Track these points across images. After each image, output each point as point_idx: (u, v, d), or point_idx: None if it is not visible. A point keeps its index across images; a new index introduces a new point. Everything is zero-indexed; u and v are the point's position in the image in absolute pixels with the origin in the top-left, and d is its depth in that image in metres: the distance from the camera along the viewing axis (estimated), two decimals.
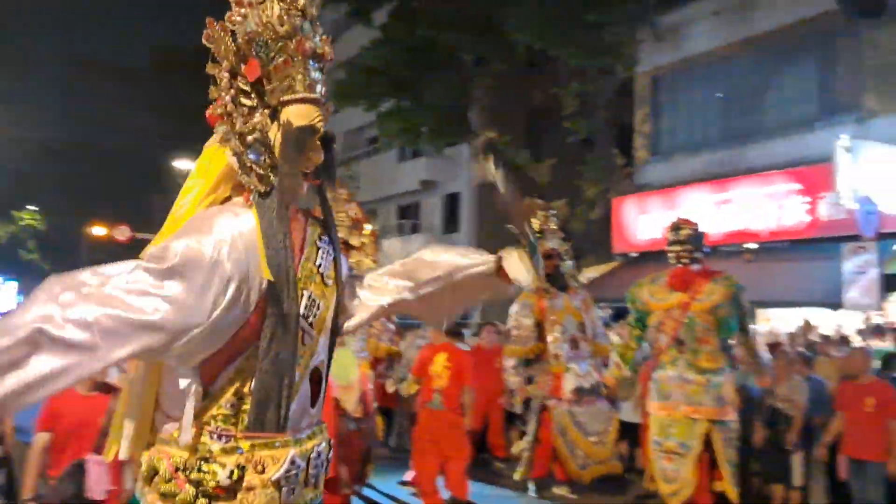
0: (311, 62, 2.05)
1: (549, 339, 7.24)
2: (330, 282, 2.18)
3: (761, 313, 12.49)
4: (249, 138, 2.03)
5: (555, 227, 7.38)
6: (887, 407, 6.00)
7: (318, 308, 2.12)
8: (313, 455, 2.11)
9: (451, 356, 6.54)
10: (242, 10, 2.03)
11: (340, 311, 2.23)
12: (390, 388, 7.88)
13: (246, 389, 1.98)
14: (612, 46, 15.01)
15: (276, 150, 2.04)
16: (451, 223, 24.41)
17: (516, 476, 7.50)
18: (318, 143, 2.08)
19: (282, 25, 2.00)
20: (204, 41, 2.07)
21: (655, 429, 5.82)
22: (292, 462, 2.01)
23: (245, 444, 1.96)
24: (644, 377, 6.34)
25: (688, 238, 5.87)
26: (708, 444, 5.65)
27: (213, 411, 1.98)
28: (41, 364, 1.72)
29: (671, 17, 15.16)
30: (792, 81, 13.61)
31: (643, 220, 15.13)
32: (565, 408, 7.13)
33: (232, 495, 1.95)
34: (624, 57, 15.47)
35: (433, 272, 2.37)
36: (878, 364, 7.30)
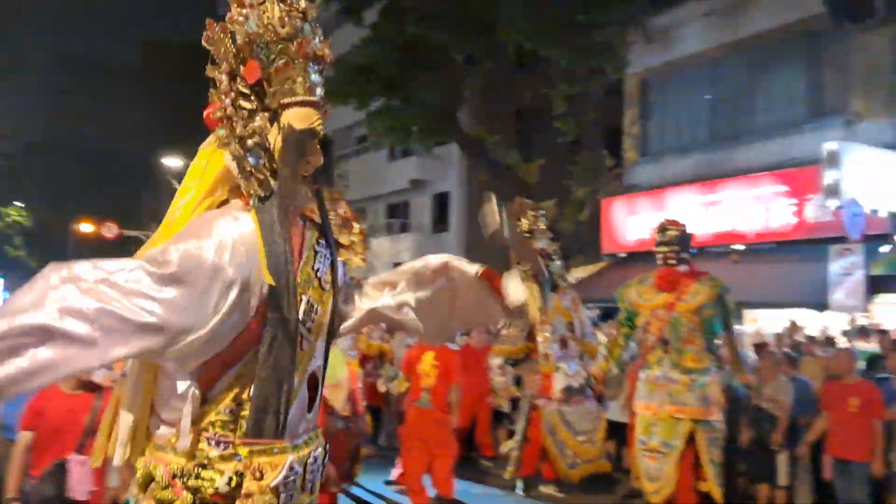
0: (311, 64, 2.04)
1: (539, 338, 7.26)
2: (327, 286, 2.15)
3: (748, 314, 12.55)
4: (249, 142, 2.00)
5: (544, 228, 7.40)
6: (871, 407, 6.06)
7: (316, 313, 2.10)
8: (310, 461, 2.10)
9: (439, 355, 6.56)
10: (244, 11, 2.00)
11: (336, 316, 2.21)
12: (381, 388, 7.88)
13: (245, 395, 1.96)
14: (603, 47, 15.03)
15: (276, 154, 2.01)
16: (440, 222, 24.41)
17: (506, 475, 7.52)
18: (318, 146, 2.07)
19: (283, 27, 1.98)
20: (203, 43, 2.04)
21: (640, 427, 5.86)
22: (290, 468, 2.00)
23: (243, 451, 1.94)
24: (632, 377, 6.39)
25: (674, 239, 5.91)
26: (693, 443, 5.69)
27: (212, 417, 1.96)
28: (38, 354, 1.69)
29: (661, 19, 15.21)
30: (780, 84, 13.69)
31: (632, 221, 15.18)
32: (555, 407, 7.16)
33: (230, 502, 1.94)
34: (614, 58, 15.51)
35: (425, 270, 2.36)
36: (863, 365, 7.37)
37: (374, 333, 8.29)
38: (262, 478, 1.94)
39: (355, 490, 6.74)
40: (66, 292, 1.72)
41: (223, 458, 1.94)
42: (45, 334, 1.69)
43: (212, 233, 1.90)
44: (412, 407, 6.68)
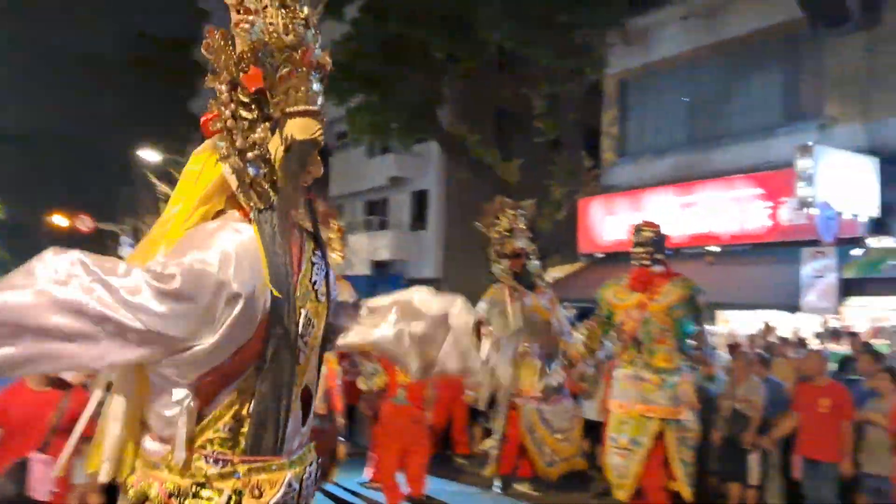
0: (313, 73, 2.00)
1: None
2: (323, 298, 2.11)
3: (721, 315, 12.69)
4: (250, 154, 1.94)
5: (523, 227, 7.42)
6: (841, 408, 6.15)
7: (314, 326, 2.06)
8: (305, 476, 2.07)
9: None
10: (250, 18, 1.94)
11: (329, 329, 2.17)
12: (362, 385, 7.87)
13: (244, 412, 1.91)
14: (582, 48, 15.12)
15: (277, 165, 1.97)
16: (419, 220, 24.39)
17: (486, 473, 7.54)
18: (318, 156, 2.04)
19: (287, 34, 1.93)
20: (203, 51, 1.99)
21: (612, 425, 5.93)
22: (289, 485, 1.97)
23: (242, 468, 1.91)
24: (607, 376, 6.44)
25: (649, 240, 5.96)
26: (663, 442, 5.75)
27: (210, 434, 1.91)
28: (34, 346, 1.66)
29: (640, 21, 15.32)
30: (756, 87, 13.84)
31: (609, 222, 15.28)
32: (533, 405, 7.19)
33: None
34: (593, 59, 15.60)
35: (422, 315, 2.31)
36: (834, 367, 7.48)
37: None
38: (260, 496, 1.91)
39: (332, 489, 6.75)
40: (66, 292, 1.66)
41: (222, 477, 1.90)
42: (36, 329, 1.64)
43: (214, 246, 1.85)
44: (388, 403, 6.68)
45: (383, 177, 24.19)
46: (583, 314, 10.11)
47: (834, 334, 10.08)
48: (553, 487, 7.34)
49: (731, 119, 14.16)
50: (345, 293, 2.34)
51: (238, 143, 1.95)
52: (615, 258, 13.51)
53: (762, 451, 6.78)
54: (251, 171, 1.95)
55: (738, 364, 7.08)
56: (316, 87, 2.01)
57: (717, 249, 13.30)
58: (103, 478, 2.00)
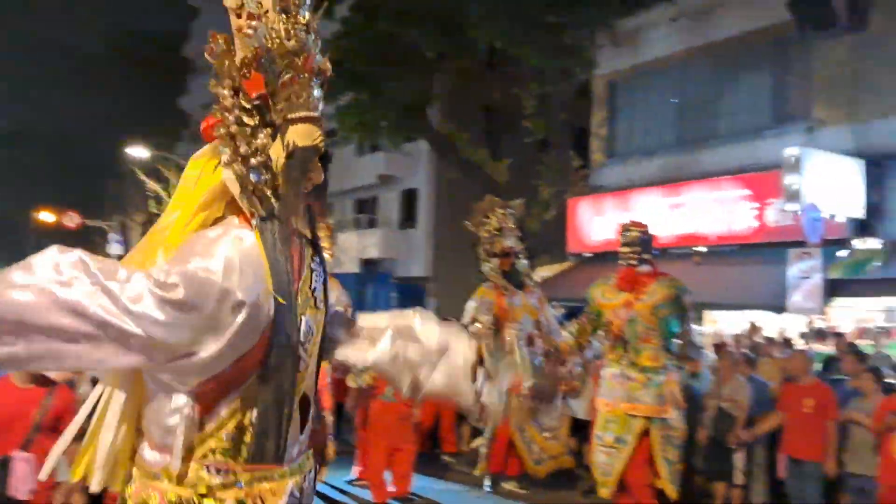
0: (314, 79, 1.99)
1: (508, 336, 7.31)
2: (321, 305, 2.10)
3: (708, 315, 12.77)
4: (253, 161, 1.93)
5: (513, 226, 7.45)
6: (825, 408, 6.20)
7: (313, 334, 2.05)
8: (305, 484, 2.06)
9: None
10: (253, 23, 1.92)
11: (327, 336, 2.16)
12: (352, 383, 7.88)
13: (246, 421, 1.89)
14: (572, 49, 15.16)
15: (278, 171, 1.95)
16: (408, 219, 24.40)
17: (476, 472, 7.57)
18: (319, 163, 2.03)
19: (289, 40, 1.92)
20: (207, 56, 1.97)
21: (599, 423, 5.97)
22: (291, 494, 1.96)
23: (244, 478, 1.89)
24: (595, 375, 6.47)
25: (636, 240, 5.99)
26: (648, 440, 5.78)
27: (211, 444, 1.89)
28: (39, 345, 1.64)
29: (630, 22, 15.37)
30: (745, 89, 13.92)
31: (598, 222, 15.33)
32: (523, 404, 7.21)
33: None
34: (582, 60, 15.64)
35: (420, 344, 2.32)
36: (819, 367, 7.54)
37: None
38: None
39: (320, 487, 6.76)
40: (72, 292, 1.64)
41: (224, 486, 1.88)
42: (40, 328, 1.63)
43: (218, 254, 1.83)
44: (376, 401, 6.70)
45: (373, 175, 24.18)
46: (571, 313, 10.14)
47: (819, 335, 10.15)
48: (540, 485, 7.38)
49: (720, 121, 14.23)
50: (335, 292, 2.33)
51: (242, 150, 1.93)
52: (603, 258, 13.55)
53: (747, 450, 6.83)
54: (253, 177, 1.93)
55: (724, 363, 7.12)
56: (317, 93, 2.00)
57: (704, 250, 13.37)
58: (94, 487, 1.97)
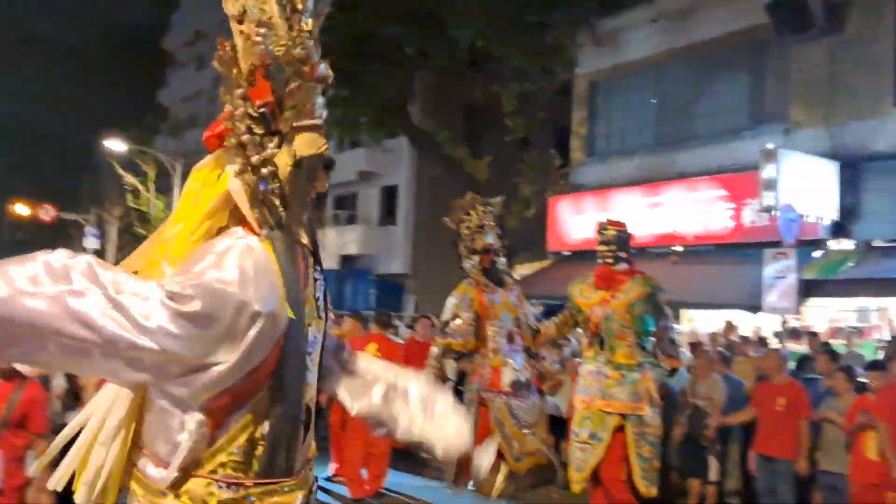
0: (318, 87, 1.98)
1: (489, 333, 7.33)
2: (323, 314, 2.08)
3: (685, 314, 12.88)
4: (263, 171, 1.90)
5: (493, 224, 7.46)
6: (797, 407, 6.28)
7: (318, 343, 2.03)
8: (312, 498, 2.04)
9: (382, 346, 6.62)
10: (262, 30, 1.89)
11: (327, 345, 2.13)
12: None
13: (258, 434, 1.86)
14: (553, 48, 15.22)
15: (285, 180, 1.93)
16: (388, 215, 24.37)
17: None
18: (323, 171, 2.01)
19: (296, 48, 1.90)
20: (215, 64, 1.94)
21: (575, 420, 6.01)
22: None
23: (255, 492, 1.86)
24: (574, 373, 6.51)
25: (612, 238, 6.02)
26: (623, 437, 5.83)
27: (222, 458, 1.84)
28: (55, 352, 1.62)
29: (610, 23, 15.46)
30: (723, 91, 14.05)
31: (577, 220, 15.40)
32: (503, 400, 7.24)
33: None
34: (563, 59, 15.70)
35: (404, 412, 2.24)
36: (793, 366, 7.63)
37: None
38: None
39: None
40: (84, 303, 1.61)
41: (235, 501, 1.85)
42: (56, 333, 1.60)
43: (231, 264, 1.79)
44: None
45: (353, 171, 24.11)
46: (550, 311, 10.19)
47: (793, 334, 10.28)
48: (517, 481, 7.40)
49: (698, 121, 14.36)
50: None
51: (253, 160, 1.90)
52: (582, 256, 13.62)
53: (722, 447, 6.91)
54: (261, 186, 1.90)
55: (700, 362, 7.20)
56: (320, 100, 2.00)
57: (682, 249, 13.49)
58: (80, 500, 1.93)
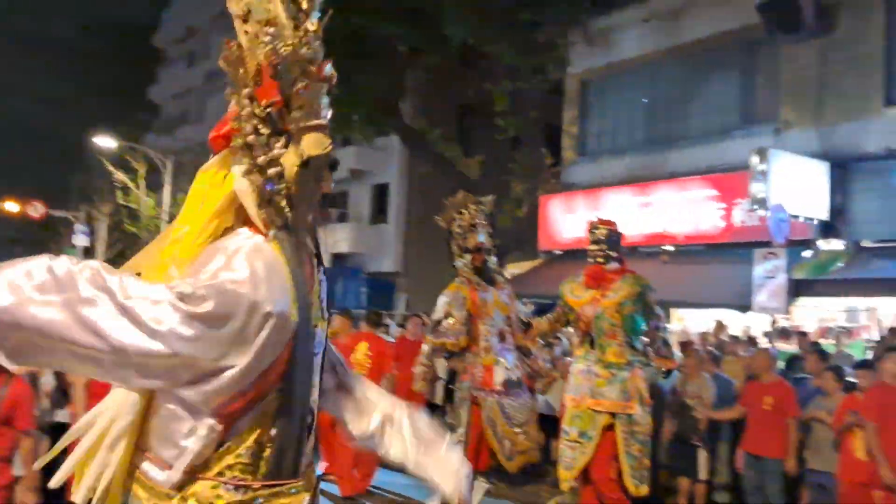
0: (324, 87, 1.98)
1: (481, 331, 7.33)
2: (326, 315, 2.08)
3: (675, 313, 12.91)
4: (270, 171, 1.89)
5: (485, 222, 7.46)
6: (785, 406, 6.31)
7: (322, 344, 2.02)
8: (316, 500, 2.02)
9: (373, 345, 6.60)
10: (270, 30, 1.88)
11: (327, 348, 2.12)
12: None
13: (266, 436, 1.85)
14: (545, 47, 15.23)
15: (291, 180, 1.92)
16: (379, 213, 24.35)
17: None
18: (328, 170, 2.01)
19: (303, 48, 1.90)
20: (221, 64, 1.93)
21: (566, 419, 6.02)
22: None
23: (263, 494, 1.85)
24: (565, 372, 6.52)
25: (603, 237, 6.03)
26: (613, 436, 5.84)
27: (230, 460, 1.83)
28: (68, 358, 1.63)
29: (602, 22, 15.48)
30: (714, 91, 14.09)
31: (568, 219, 15.42)
32: (494, 399, 7.24)
33: None
34: (555, 58, 15.72)
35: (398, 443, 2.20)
36: (783, 365, 7.67)
37: None
38: None
39: None
40: (94, 311, 1.59)
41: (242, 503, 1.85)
42: (70, 342, 1.59)
43: (242, 265, 1.78)
44: None
45: (343, 169, 24.04)
46: (541, 310, 10.20)
47: (783, 333, 10.33)
48: (508, 480, 7.41)
49: (689, 121, 14.39)
50: None
51: (260, 160, 1.90)
52: (573, 255, 13.64)
53: (711, 446, 6.93)
54: (268, 187, 1.90)
55: (690, 361, 7.22)
56: (325, 100, 2.00)
57: (672, 249, 13.53)
58: (78, 499, 1.92)
